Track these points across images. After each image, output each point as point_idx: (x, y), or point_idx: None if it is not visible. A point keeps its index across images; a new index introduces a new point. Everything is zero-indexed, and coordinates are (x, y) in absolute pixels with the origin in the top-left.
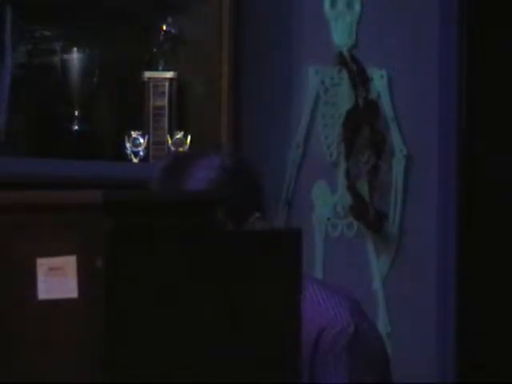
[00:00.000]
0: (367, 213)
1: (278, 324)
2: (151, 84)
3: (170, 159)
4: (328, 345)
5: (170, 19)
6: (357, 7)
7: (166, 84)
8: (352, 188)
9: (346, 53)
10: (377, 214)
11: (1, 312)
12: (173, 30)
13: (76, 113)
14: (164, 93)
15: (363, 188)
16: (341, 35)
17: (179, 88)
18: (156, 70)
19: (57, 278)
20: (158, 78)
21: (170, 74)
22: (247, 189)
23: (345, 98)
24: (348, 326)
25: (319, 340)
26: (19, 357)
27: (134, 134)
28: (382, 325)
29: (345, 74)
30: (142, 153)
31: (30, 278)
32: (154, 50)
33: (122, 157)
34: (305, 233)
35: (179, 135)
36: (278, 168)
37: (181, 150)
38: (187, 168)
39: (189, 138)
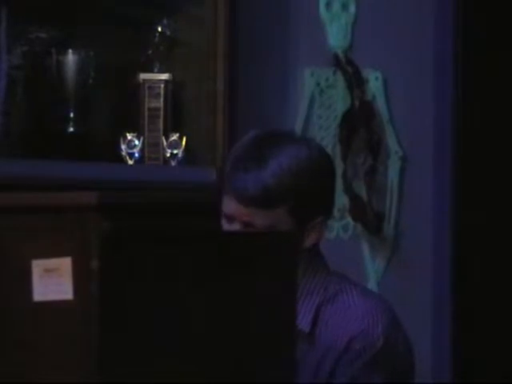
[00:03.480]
0: (366, 214)
1: (275, 323)
2: (146, 86)
3: (254, 136)
4: (353, 355)
5: (165, 21)
6: (352, 9)
7: (162, 86)
8: (349, 189)
9: (341, 54)
10: (375, 215)
11: None
12: (168, 32)
13: (71, 114)
14: (159, 94)
15: (360, 189)
16: (336, 37)
17: (174, 90)
18: (151, 71)
19: (52, 280)
20: (153, 79)
21: (165, 76)
22: (320, 189)
23: (340, 100)
24: (377, 340)
25: (348, 347)
26: (15, 358)
27: (129, 135)
28: None
29: (340, 76)
30: (137, 154)
31: (25, 280)
32: (150, 52)
33: (118, 158)
34: None
35: (174, 137)
36: None
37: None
38: (271, 150)
39: (184, 139)
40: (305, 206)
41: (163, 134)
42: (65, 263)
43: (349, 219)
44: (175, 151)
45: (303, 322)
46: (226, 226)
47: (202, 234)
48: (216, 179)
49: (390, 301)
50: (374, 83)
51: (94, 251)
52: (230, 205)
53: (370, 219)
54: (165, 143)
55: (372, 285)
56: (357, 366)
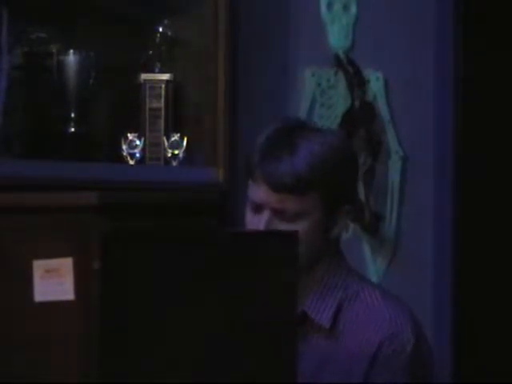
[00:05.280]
0: (364, 215)
1: (275, 323)
2: (147, 86)
3: (281, 126)
4: (386, 359)
5: (166, 21)
6: (353, 9)
7: (163, 86)
8: None
9: (342, 55)
10: (373, 216)
11: None
12: (169, 32)
13: (72, 115)
14: (160, 95)
15: (359, 190)
16: (337, 37)
17: (175, 90)
18: (152, 71)
19: (53, 280)
20: (154, 79)
21: (166, 76)
22: (349, 176)
23: (341, 100)
24: (408, 342)
25: (379, 350)
26: (16, 358)
27: (130, 135)
28: None
29: (341, 76)
30: (138, 155)
31: (26, 280)
32: (151, 52)
33: (119, 158)
34: None
35: (175, 137)
36: None
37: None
38: (301, 138)
39: (185, 140)
40: (335, 192)
41: (164, 134)
42: (66, 263)
43: None
44: (176, 151)
45: (323, 316)
46: (252, 217)
47: (202, 233)
48: (223, 179)
49: None
50: (375, 83)
51: (94, 251)
52: (259, 193)
53: (367, 220)
54: (166, 143)
55: None
56: (392, 370)
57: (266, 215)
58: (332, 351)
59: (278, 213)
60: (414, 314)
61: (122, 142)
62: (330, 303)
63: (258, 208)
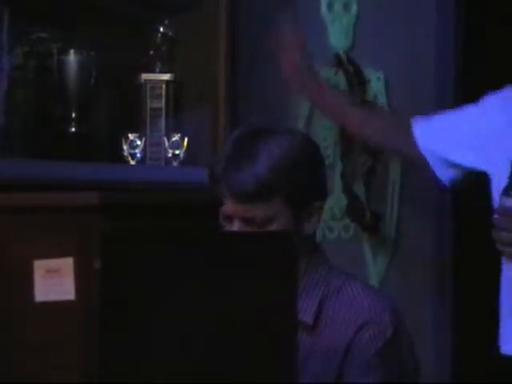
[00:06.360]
0: (364, 214)
1: (275, 323)
2: (148, 86)
3: (239, 135)
4: (363, 344)
5: (166, 21)
6: (353, 9)
7: (163, 86)
8: (348, 189)
9: (342, 54)
10: (373, 216)
11: None
12: (170, 33)
13: (73, 115)
14: (161, 95)
15: (360, 189)
16: (338, 37)
17: (176, 90)
18: (153, 72)
19: (54, 280)
20: (154, 79)
21: (166, 76)
22: (312, 174)
23: None
24: (386, 328)
25: (356, 336)
26: (17, 358)
27: (131, 135)
28: None
29: (342, 76)
30: (138, 155)
31: (27, 280)
32: (151, 52)
33: (119, 159)
34: None
35: (176, 137)
36: None
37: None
38: (259, 144)
39: (186, 140)
40: (300, 192)
41: (165, 135)
42: (66, 263)
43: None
44: (177, 151)
45: (306, 315)
46: (224, 226)
47: (202, 234)
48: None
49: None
50: (376, 83)
51: (95, 251)
52: (227, 205)
53: (367, 220)
54: (166, 143)
55: (373, 285)
56: (368, 353)
57: (236, 226)
58: (314, 346)
59: (247, 221)
60: (396, 308)
61: (123, 142)
62: (312, 301)
63: (229, 219)
